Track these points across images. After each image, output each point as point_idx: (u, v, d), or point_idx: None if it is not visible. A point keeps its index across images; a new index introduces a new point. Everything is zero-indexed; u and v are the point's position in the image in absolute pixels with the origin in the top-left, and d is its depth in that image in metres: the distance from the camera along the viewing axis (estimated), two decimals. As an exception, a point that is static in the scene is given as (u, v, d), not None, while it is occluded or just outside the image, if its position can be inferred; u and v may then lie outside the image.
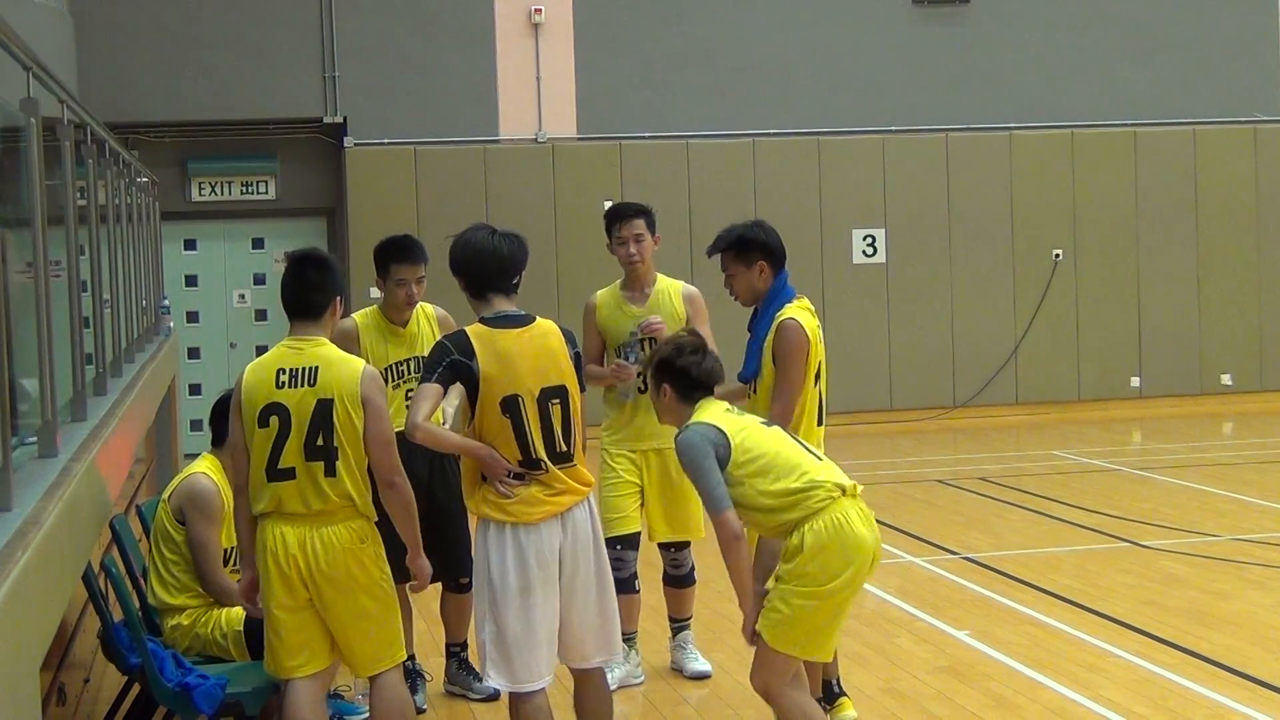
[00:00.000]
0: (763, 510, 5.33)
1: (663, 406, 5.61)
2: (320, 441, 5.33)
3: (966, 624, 8.44)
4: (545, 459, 5.48)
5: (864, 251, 17.93)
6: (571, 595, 5.55)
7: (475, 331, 5.52)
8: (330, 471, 5.34)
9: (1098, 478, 13.85)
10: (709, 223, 17.37)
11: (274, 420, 5.37)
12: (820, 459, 5.47)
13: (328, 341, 5.51)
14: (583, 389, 5.71)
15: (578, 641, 5.62)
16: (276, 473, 5.36)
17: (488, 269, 5.59)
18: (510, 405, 5.44)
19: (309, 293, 5.54)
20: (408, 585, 5.83)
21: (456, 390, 5.63)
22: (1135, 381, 18.45)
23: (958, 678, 7.44)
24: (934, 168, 18.06)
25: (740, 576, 5.39)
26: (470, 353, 5.44)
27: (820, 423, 6.32)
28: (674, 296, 7.34)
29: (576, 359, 5.66)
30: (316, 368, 5.39)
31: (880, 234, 17.96)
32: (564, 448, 5.53)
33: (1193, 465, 14.45)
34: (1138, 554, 10.29)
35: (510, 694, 5.59)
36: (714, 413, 5.48)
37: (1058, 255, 18.26)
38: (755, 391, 6.32)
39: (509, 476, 5.44)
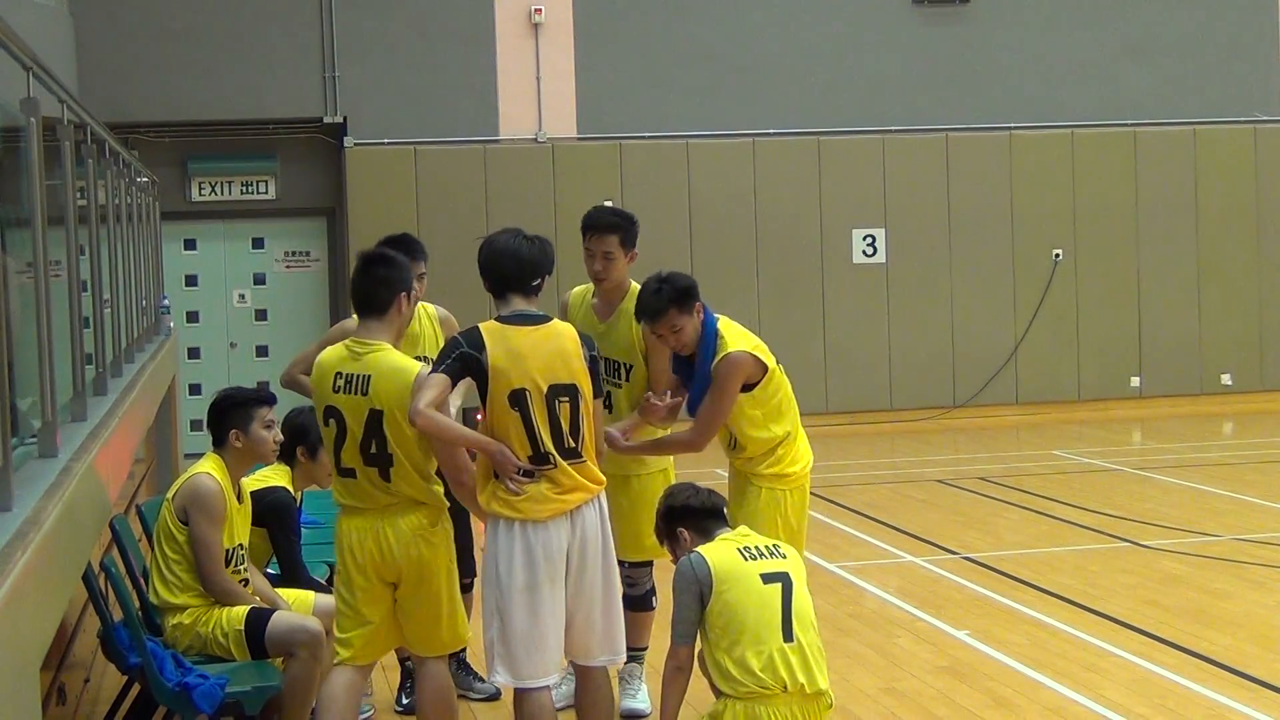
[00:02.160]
0: (711, 655, 5.40)
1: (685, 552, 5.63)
2: (374, 449, 5.47)
3: (966, 624, 8.44)
4: (554, 452, 5.51)
5: (864, 251, 17.93)
6: (578, 593, 5.59)
7: (488, 327, 5.59)
8: (385, 477, 5.50)
9: (1098, 478, 13.85)
10: (709, 223, 17.45)
11: (333, 422, 5.56)
12: (792, 637, 5.35)
13: (388, 346, 5.58)
14: (598, 394, 5.72)
15: (582, 639, 5.66)
16: (341, 470, 5.58)
17: (506, 269, 5.66)
18: (518, 399, 5.49)
19: (375, 287, 5.65)
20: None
21: (458, 392, 5.66)
22: (1135, 381, 18.45)
23: (958, 678, 7.44)
24: (934, 168, 18.06)
25: (669, 706, 5.53)
26: (480, 346, 5.51)
27: None
28: (634, 321, 6.75)
29: (593, 363, 5.68)
30: (370, 376, 5.49)
31: (880, 234, 17.95)
32: (572, 444, 5.56)
33: (1193, 465, 14.45)
34: (1138, 554, 10.29)
35: (515, 691, 5.62)
36: (724, 550, 5.50)
37: (1058, 255, 18.26)
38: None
39: (519, 473, 5.48)
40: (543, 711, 5.56)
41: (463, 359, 5.50)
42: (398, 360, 5.56)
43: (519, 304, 5.65)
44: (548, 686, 5.59)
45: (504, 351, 5.50)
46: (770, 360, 6.34)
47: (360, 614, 5.60)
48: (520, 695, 5.59)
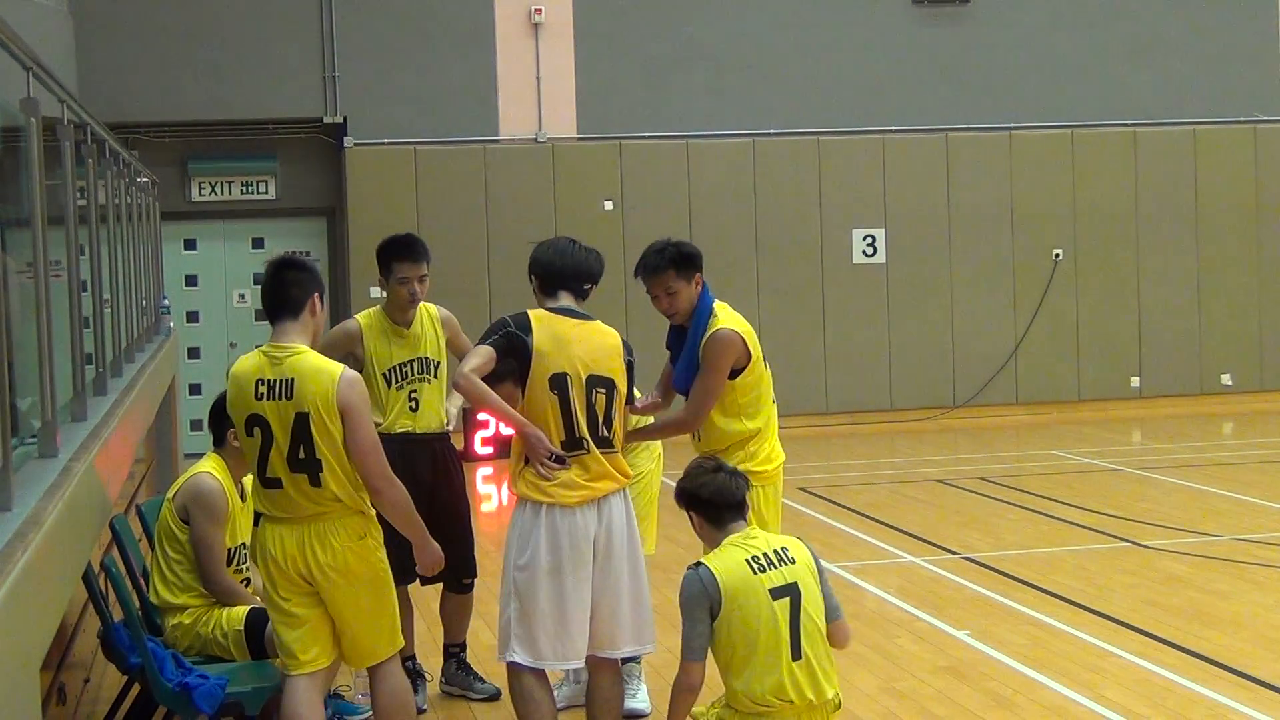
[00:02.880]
0: (722, 664, 5.33)
1: (700, 534, 5.58)
2: (302, 455, 5.33)
3: (966, 624, 8.44)
4: (588, 438, 5.62)
5: (864, 251, 17.93)
6: (605, 582, 5.65)
7: (536, 313, 5.74)
8: (315, 482, 5.35)
9: (1098, 478, 13.85)
10: (709, 223, 17.44)
11: (257, 431, 5.40)
12: (800, 654, 5.25)
13: (306, 348, 5.44)
14: (630, 401, 5.83)
15: (607, 629, 5.69)
16: (266, 480, 5.41)
17: (564, 267, 5.81)
18: (558, 382, 5.61)
19: (288, 289, 5.49)
20: (417, 578, 5.78)
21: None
22: (1135, 381, 18.45)
23: (958, 678, 7.44)
24: (934, 168, 18.06)
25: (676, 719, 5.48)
26: (527, 328, 5.66)
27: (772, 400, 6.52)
28: None
29: (630, 368, 5.82)
30: (293, 380, 5.35)
31: (880, 234, 17.95)
32: (606, 433, 5.68)
33: (1193, 465, 14.45)
34: (1138, 554, 10.29)
35: (513, 672, 5.62)
36: (732, 561, 5.34)
37: (1058, 255, 18.26)
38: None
39: (551, 459, 5.55)
40: (541, 693, 5.61)
41: (508, 337, 5.63)
42: (318, 362, 5.42)
43: (567, 301, 5.79)
44: (544, 672, 5.64)
45: (549, 336, 5.64)
46: (757, 351, 6.36)
47: (294, 615, 5.42)
48: (520, 675, 5.59)
